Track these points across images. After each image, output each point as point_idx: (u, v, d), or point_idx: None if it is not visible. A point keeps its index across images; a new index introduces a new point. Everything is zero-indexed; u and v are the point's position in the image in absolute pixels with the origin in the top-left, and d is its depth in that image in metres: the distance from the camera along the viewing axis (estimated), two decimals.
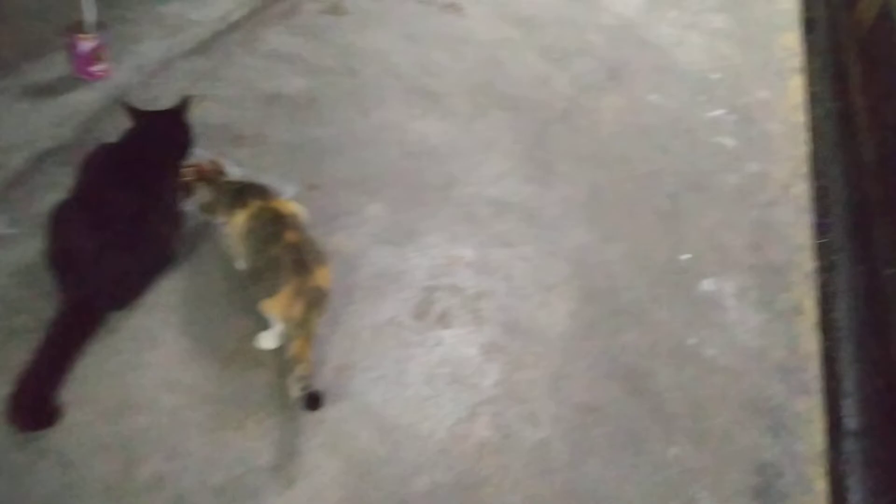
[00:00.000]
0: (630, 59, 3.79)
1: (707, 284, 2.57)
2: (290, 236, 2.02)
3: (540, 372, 2.16)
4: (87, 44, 2.52)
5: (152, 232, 2.09)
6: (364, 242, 2.47)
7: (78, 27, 2.53)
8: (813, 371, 2.34)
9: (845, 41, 4.27)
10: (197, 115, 2.76)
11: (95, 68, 2.57)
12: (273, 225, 2.06)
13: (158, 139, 2.23)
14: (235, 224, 2.13)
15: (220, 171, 2.38)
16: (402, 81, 3.30)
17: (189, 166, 2.30)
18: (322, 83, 3.17)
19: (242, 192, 2.19)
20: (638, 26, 4.13)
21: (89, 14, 2.52)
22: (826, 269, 2.92)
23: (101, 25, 2.55)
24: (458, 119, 3.13)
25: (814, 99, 3.85)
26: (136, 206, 2.03)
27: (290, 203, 2.21)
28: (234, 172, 2.46)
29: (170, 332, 2.04)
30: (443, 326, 2.23)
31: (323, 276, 1.99)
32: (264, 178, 2.51)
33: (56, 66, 2.67)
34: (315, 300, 1.94)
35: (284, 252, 1.97)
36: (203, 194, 2.28)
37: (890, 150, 3.14)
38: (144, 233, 2.06)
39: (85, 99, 2.56)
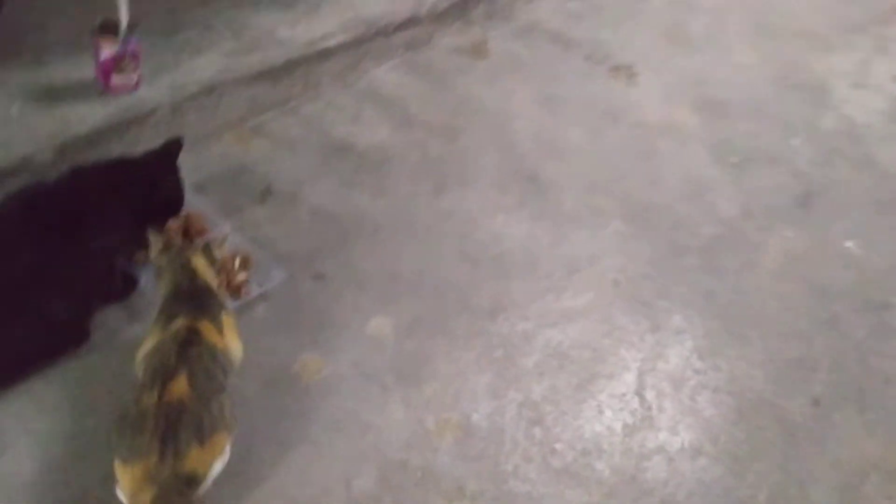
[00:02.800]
0: (838, 182, 2.78)
1: None
2: (176, 388, 1.39)
3: None
4: (107, 49, 2.12)
5: (40, 305, 1.63)
6: (339, 372, 1.85)
7: (110, 27, 2.14)
8: None
9: None
10: (234, 154, 2.31)
11: (114, 80, 2.16)
12: (169, 361, 1.44)
13: (109, 189, 1.78)
14: (146, 343, 1.55)
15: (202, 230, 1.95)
16: (509, 157, 2.61)
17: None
18: (408, 141, 2.58)
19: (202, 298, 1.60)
20: (869, 137, 3.06)
21: (121, 12, 2.12)
22: None
23: (132, 28, 2.14)
24: (558, 222, 2.39)
25: None
26: (27, 269, 1.60)
27: (228, 331, 1.59)
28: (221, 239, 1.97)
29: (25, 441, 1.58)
30: None
31: (200, 460, 1.35)
32: (253, 254, 2.00)
33: (84, 68, 2.30)
34: (171, 495, 1.31)
35: (157, 411, 1.36)
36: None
37: None
38: (25, 305, 1.61)
39: (87, 114, 2.12)
